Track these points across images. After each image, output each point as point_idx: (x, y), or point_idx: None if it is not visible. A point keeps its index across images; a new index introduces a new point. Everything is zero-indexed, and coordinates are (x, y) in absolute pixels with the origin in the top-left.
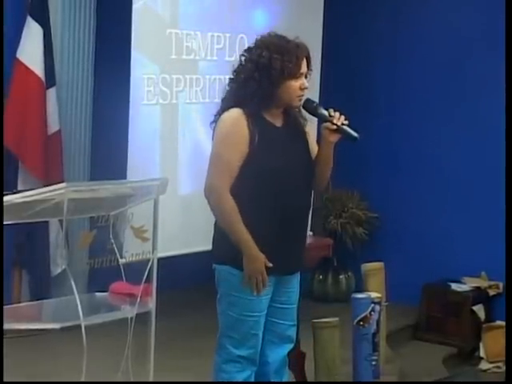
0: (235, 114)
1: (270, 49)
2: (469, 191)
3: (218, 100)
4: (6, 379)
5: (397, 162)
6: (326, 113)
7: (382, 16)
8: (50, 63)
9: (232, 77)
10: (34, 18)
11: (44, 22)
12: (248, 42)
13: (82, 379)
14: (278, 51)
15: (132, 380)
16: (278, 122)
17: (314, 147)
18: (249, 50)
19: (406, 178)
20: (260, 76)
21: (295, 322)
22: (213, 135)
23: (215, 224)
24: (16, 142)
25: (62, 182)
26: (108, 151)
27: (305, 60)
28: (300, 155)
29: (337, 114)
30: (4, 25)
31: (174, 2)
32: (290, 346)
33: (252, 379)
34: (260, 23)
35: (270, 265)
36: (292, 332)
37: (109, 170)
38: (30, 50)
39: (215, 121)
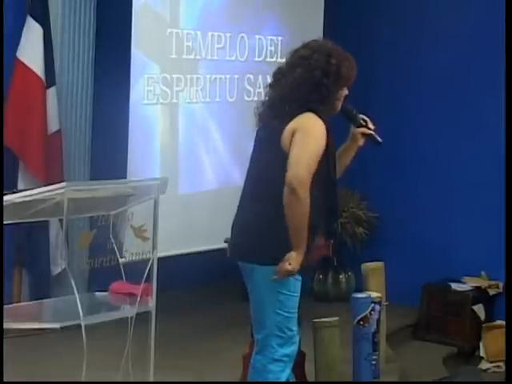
0: (317, 119)
1: (335, 56)
2: (469, 191)
3: (218, 99)
4: (5, 379)
5: (397, 161)
6: (360, 119)
7: (383, 17)
8: (50, 63)
9: (286, 80)
10: (33, 18)
11: (44, 21)
12: (248, 41)
13: (82, 379)
14: (343, 59)
15: (132, 380)
16: None
17: None
18: (309, 57)
19: (407, 177)
20: (328, 82)
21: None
22: (276, 134)
23: (254, 224)
24: (16, 141)
25: (62, 181)
26: (108, 151)
27: None
28: (335, 163)
29: (368, 119)
30: (4, 25)
31: (174, 1)
32: (299, 341)
33: (291, 378)
34: (260, 23)
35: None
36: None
37: (109, 170)
38: (30, 50)
39: (262, 121)
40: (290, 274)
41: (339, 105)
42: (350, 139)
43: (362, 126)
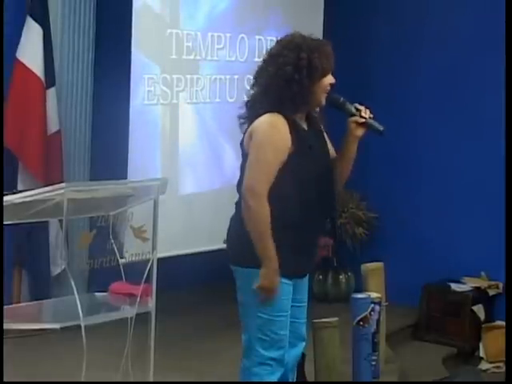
0: (275, 118)
1: (305, 49)
2: (469, 191)
3: (218, 100)
4: (5, 379)
5: (397, 161)
6: (352, 107)
7: (382, 17)
8: (50, 63)
9: (258, 79)
10: (33, 18)
11: (44, 22)
12: (248, 42)
13: (82, 379)
14: (313, 51)
15: (132, 380)
16: (305, 125)
17: (330, 145)
18: (279, 54)
19: (406, 177)
20: (300, 77)
21: (306, 320)
22: (243, 139)
23: (235, 225)
24: (16, 142)
25: (62, 182)
26: (108, 151)
27: None
28: (325, 159)
29: (362, 107)
30: (4, 25)
31: (173, 2)
32: (303, 344)
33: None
34: (260, 23)
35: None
36: (304, 330)
37: (109, 170)
38: (29, 50)
39: (244, 123)
40: (266, 291)
41: (323, 96)
42: (347, 131)
43: (354, 114)
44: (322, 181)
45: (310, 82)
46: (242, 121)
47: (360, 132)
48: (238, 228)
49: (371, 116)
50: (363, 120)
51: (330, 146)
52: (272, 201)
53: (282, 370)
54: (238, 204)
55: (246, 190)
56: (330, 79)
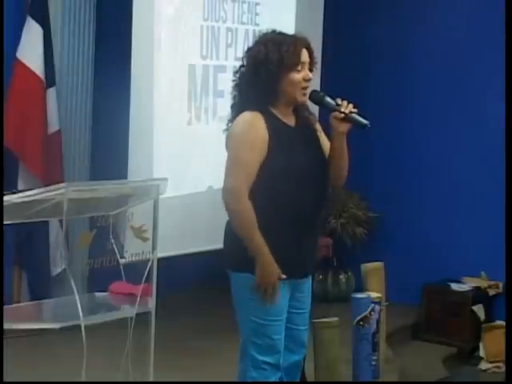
0: (249, 115)
1: (267, 44)
2: (469, 191)
3: (219, 99)
4: (6, 379)
5: (397, 161)
6: (332, 102)
7: (382, 16)
8: (50, 63)
9: (235, 80)
10: (34, 18)
11: (44, 21)
12: (248, 42)
13: (82, 379)
14: (274, 44)
15: (132, 380)
16: (291, 122)
17: (326, 144)
18: (248, 50)
19: (406, 177)
20: (258, 71)
21: (307, 327)
22: (226, 141)
23: (229, 230)
24: (16, 141)
25: (62, 181)
26: (108, 151)
27: (305, 51)
28: (315, 156)
29: (344, 102)
30: (4, 25)
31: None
32: (304, 351)
33: None
34: (260, 23)
35: (284, 277)
36: (305, 336)
37: (109, 170)
38: (30, 50)
39: (228, 128)
40: (266, 287)
41: (297, 91)
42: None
43: (335, 110)
44: (310, 180)
45: (268, 76)
46: (229, 124)
47: (343, 127)
48: (233, 232)
49: (353, 110)
50: (342, 115)
51: (324, 142)
52: (258, 198)
53: (278, 373)
54: None
55: (226, 192)
56: (303, 74)
